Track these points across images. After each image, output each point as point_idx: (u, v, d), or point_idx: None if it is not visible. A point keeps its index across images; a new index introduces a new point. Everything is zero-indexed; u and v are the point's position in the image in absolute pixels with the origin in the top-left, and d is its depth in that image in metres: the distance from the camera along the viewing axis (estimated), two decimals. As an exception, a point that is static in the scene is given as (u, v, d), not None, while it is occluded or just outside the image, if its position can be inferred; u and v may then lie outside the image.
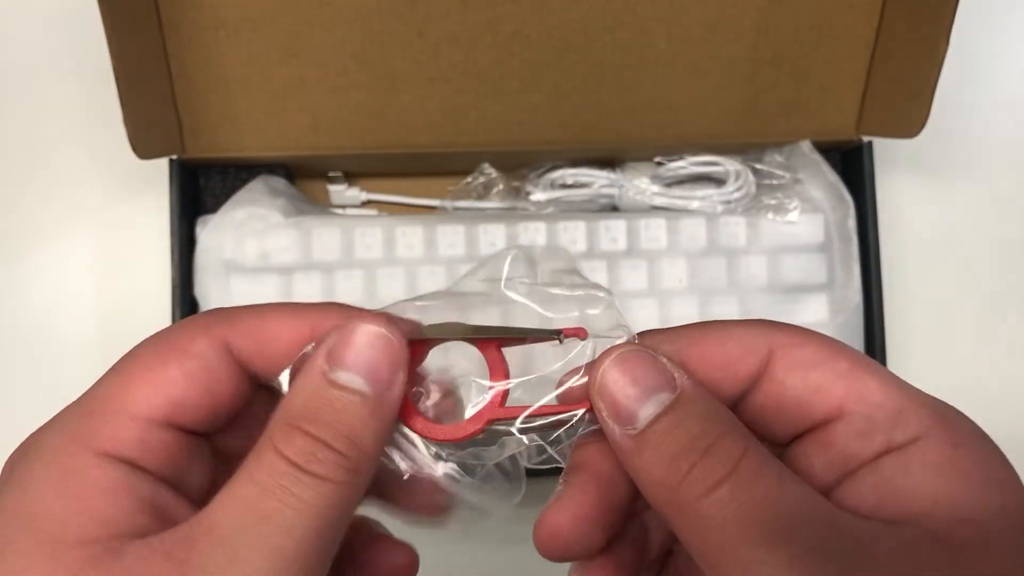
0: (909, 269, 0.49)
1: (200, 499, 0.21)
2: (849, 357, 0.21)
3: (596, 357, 0.22)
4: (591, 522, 0.22)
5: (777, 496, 0.19)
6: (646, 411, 0.20)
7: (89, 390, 0.22)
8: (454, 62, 0.43)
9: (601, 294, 0.23)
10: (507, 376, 0.23)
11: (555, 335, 0.23)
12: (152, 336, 0.22)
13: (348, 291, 0.43)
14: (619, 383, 0.21)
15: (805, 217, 0.45)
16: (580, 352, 0.22)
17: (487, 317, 0.24)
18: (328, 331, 0.21)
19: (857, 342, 0.45)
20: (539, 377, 0.23)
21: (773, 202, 0.45)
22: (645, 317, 0.44)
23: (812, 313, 0.45)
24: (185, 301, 0.43)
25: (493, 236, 0.44)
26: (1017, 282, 0.50)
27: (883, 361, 0.45)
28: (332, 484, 0.20)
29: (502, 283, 0.25)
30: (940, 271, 0.50)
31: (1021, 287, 0.50)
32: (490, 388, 0.23)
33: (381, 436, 0.21)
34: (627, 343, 0.22)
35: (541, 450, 0.23)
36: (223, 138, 0.44)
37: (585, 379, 0.22)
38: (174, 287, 0.43)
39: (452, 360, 0.24)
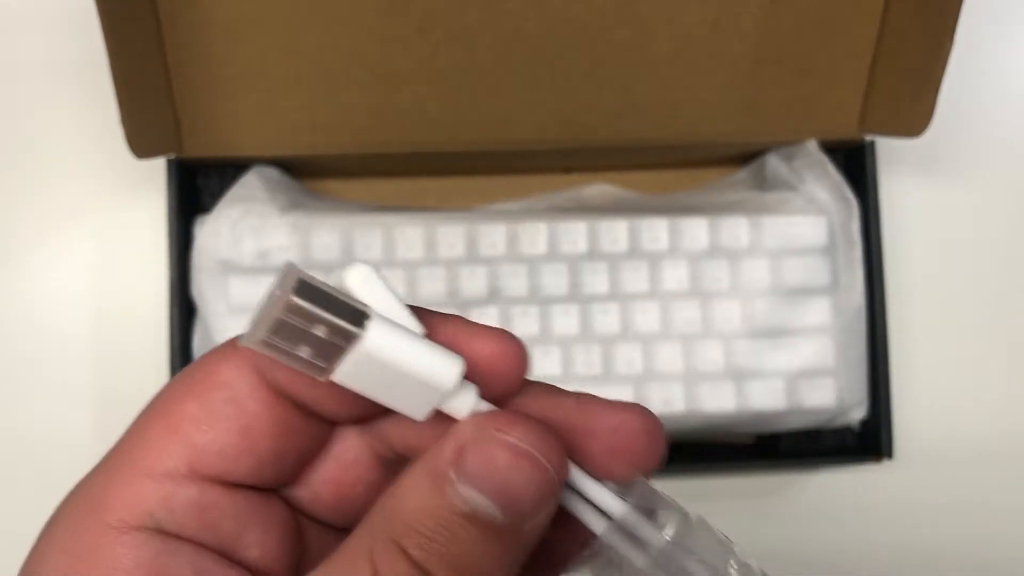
0: (912, 271, 0.49)
1: (267, 568, 0.18)
2: None
3: None
4: None
5: None
6: None
7: (111, 448, 0.18)
8: (453, 61, 0.42)
9: None
10: None
11: None
12: (178, 374, 0.19)
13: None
14: None
15: (808, 219, 0.44)
16: None
17: None
18: (464, 420, 0.17)
19: (859, 345, 0.45)
20: None
21: (776, 203, 0.45)
22: (647, 320, 0.44)
23: (814, 316, 0.44)
24: (183, 302, 0.43)
25: (493, 237, 0.44)
26: (1023, 284, 0.50)
27: (886, 364, 0.45)
28: None
29: None
30: (944, 273, 0.49)
31: (1027, 289, 0.50)
32: None
33: (509, 573, 0.17)
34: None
35: None
36: (221, 137, 0.43)
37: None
38: (171, 288, 0.43)
39: None
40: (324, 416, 0.18)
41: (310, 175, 0.47)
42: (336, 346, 0.16)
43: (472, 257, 0.44)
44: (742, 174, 0.48)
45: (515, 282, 0.44)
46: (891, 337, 0.45)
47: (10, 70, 0.47)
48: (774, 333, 0.44)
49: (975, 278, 0.49)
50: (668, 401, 0.43)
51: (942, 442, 0.48)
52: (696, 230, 0.44)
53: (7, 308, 0.47)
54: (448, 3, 0.41)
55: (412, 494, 0.16)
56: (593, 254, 0.44)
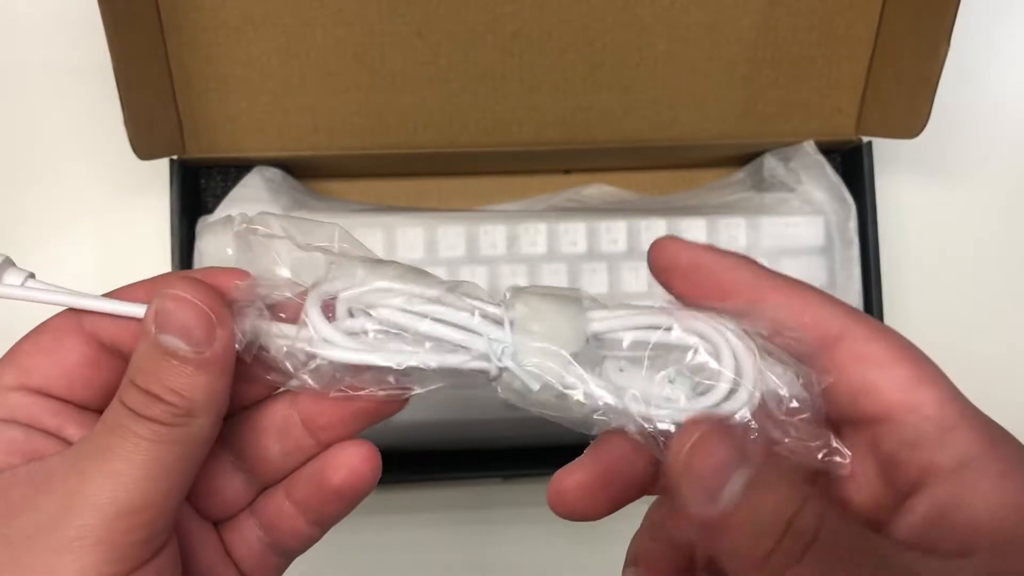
0: (908, 271, 0.49)
1: None
2: (913, 366, 0.22)
3: (680, 429, 0.21)
4: (594, 491, 0.24)
5: (856, 563, 0.19)
6: (730, 488, 0.19)
7: None
8: (454, 62, 0.43)
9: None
10: None
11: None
12: None
13: (348, 291, 0.43)
14: (705, 462, 0.20)
15: (806, 219, 0.45)
16: None
17: None
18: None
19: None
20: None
21: (774, 203, 0.45)
22: (645, 318, 0.44)
23: (812, 314, 0.45)
24: (185, 301, 0.43)
25: (493, 237, 0.44)
26: (1018, 283, 0.50)
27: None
28: (166, 426, 0.22)
29: None
30: (940, 273, 0.50)
31: (1022, 288, 0.50)
32: None
33: (212, 387, 0.23)
34: (700, 419, 0.21)
35: None
36: (223, 138, 0.44)
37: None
38: (174, 287, 0.43)
39: None
40: (124, 353, 0.25)
41: (312, 176, 0.47)
42: None
43: (472, 257, 0.44)
44: (740, 175, 0.48)
45: (515, 282, 0.44)
46: (888, 336, 0.45)
47: (14, 72, 0.48)
48: (772, 332, 0.44)
49: (971, 278, 0.50)
50: (667, 400, 0.44)
51: (938, 441, 0.48)
52: (694, 230, 0.44)
53: (9, 308, 0.47)
54: (449, 6, 0.41)
55: (137, 353, 0.23)
56: (592, 254, 0.44)
